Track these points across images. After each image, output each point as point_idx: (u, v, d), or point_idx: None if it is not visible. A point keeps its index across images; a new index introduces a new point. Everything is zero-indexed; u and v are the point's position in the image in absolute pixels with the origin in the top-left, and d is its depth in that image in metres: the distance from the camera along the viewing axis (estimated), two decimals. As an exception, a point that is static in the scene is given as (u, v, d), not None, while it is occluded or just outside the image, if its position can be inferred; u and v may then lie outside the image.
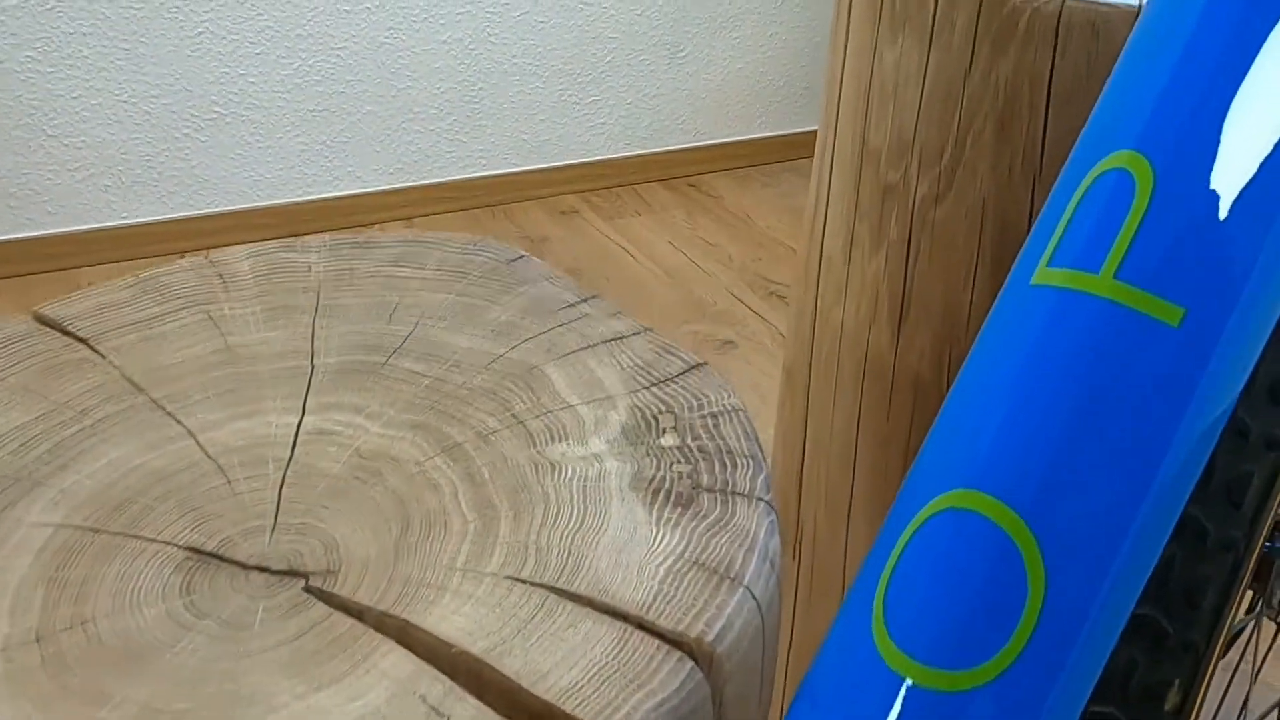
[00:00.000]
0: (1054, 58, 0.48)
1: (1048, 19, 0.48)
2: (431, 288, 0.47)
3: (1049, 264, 0.24)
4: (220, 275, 0.48)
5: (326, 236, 0.53)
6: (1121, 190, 0.23)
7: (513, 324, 0.44)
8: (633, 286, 1.77)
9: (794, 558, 0.84)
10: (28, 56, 1.61)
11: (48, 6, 1.59)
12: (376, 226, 1.97)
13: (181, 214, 1.81)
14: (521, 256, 0.51)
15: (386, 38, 1.86)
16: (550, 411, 0.38)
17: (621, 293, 1.75)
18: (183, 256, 1.83)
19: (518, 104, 2.04)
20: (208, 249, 1.86)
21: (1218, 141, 0.22)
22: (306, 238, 0.52)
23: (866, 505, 0.74)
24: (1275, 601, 0.61)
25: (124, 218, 1.76)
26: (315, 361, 0.41)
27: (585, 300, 0.47)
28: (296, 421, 0.37)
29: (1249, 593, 0.62)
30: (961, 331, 0.59)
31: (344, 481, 0.34)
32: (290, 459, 0.35)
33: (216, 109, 1.77)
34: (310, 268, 0.49)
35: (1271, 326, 0.23)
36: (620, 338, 0.44)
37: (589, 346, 0.43)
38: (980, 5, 0.51)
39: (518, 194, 2.10)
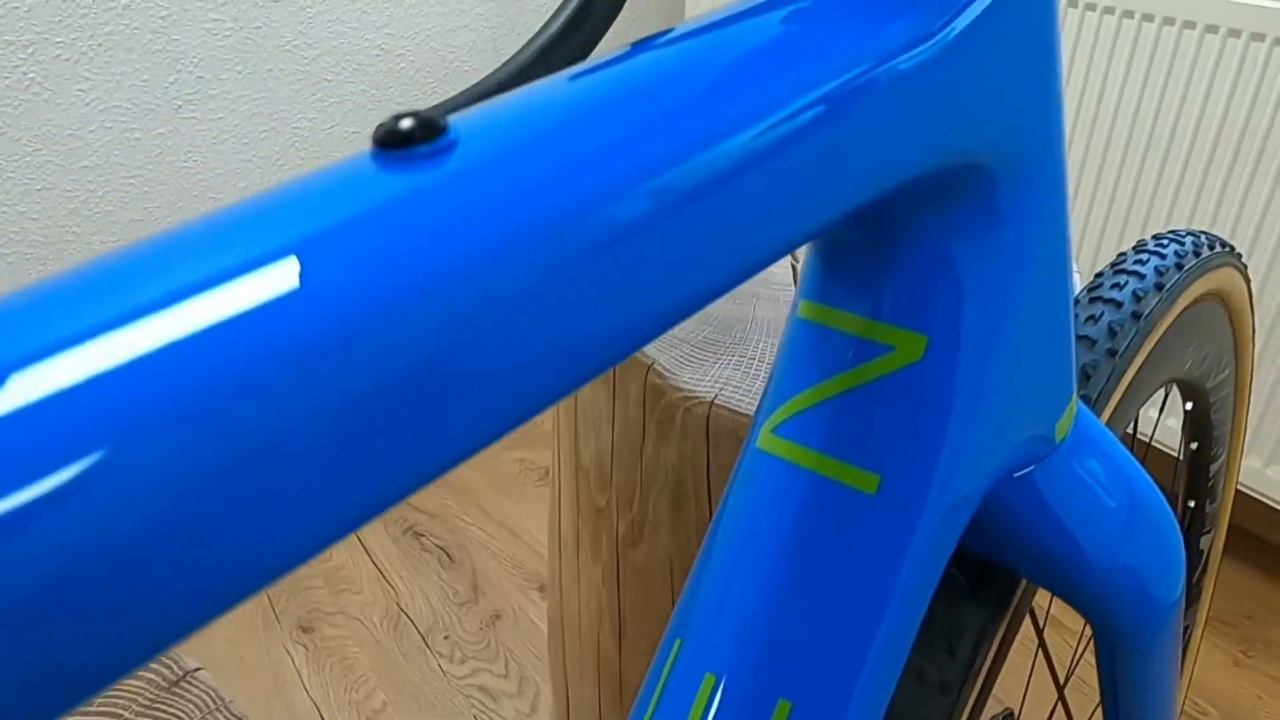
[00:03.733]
0: (708, 454, 0.49)
1: (697, 420, 0.49)
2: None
3: None
4: None
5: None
6: None
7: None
8: (458, 410, 1.74)
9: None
10: None
11: None
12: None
13: (-36, 361, 1.69)
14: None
15: (185, 162, 1.78)
16: None
17: (446, 418, 1.72)
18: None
19: (335, 214, 1.99)
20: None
21: None
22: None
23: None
24: None
25: (-104, 372, 1.63)
26: None
27: (178, 682, 0.45)
28: None
29: None
30: (671, 660, 0.60)
31: None
32: None
33: (-4, 250, 1.65)
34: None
35: None
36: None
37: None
38: (645, 387, 0.51)
39: (342, 304, 2.05)
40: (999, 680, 0.63)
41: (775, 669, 0.23)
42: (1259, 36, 1.10)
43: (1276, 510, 1.35)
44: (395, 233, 0.13)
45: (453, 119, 0.14)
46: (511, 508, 1.52)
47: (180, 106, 1.73)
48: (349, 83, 1.89)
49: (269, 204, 0.13)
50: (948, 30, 0.20)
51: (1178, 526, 0.33)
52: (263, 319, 0.11)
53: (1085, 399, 0.36)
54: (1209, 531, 0.80)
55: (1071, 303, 0.28)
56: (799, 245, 0.20)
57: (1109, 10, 1.23)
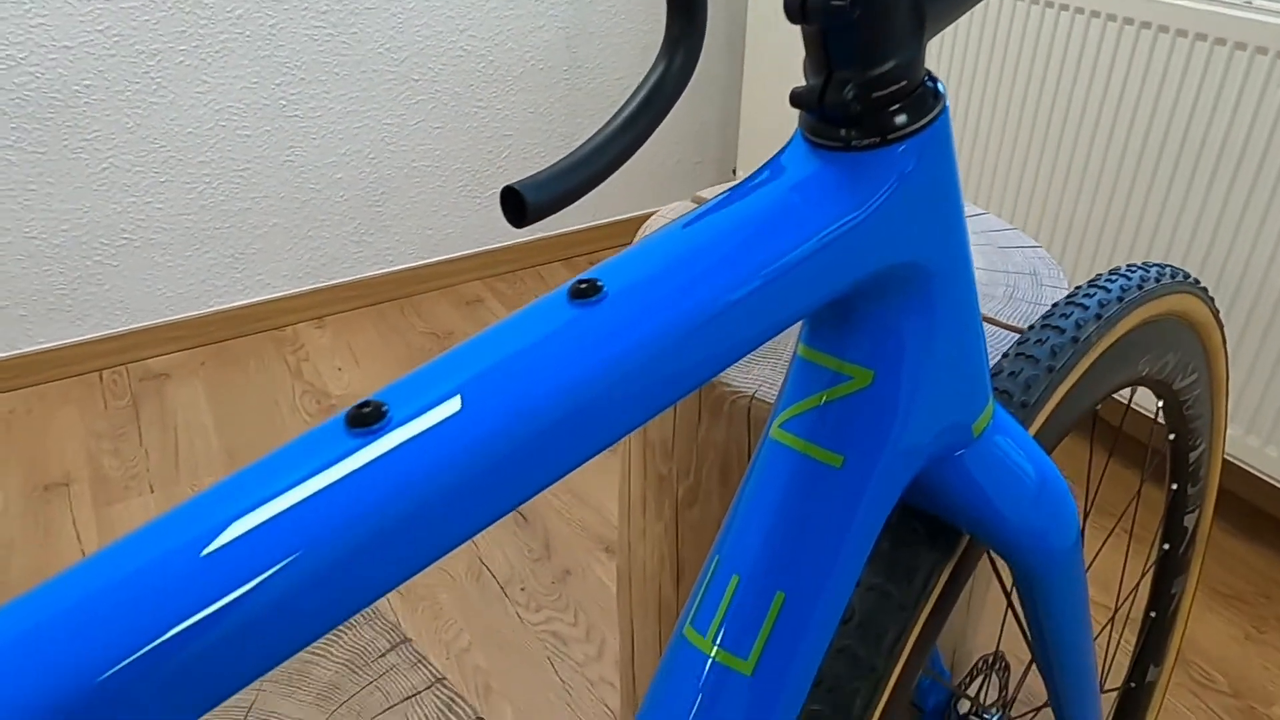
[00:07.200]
0: (749, 436, 0.63)
1: (740, 409, 0.62)
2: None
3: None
4: None
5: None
6: None
7: (335, 684, 0.58)
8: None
9: (634, 721, 0.98)
10: (-64, 204, 1.68)
11: (-48, 158, 1.67)
12: (289, 328, 2.07)
13: (97, 334, 1.90)
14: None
15: (288, 156, 1.96)
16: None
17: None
18: (100, 374, 1.92)
19: (420, 202, 2.15)
20: (125, 364, 1.95)
21: None
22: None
23: None
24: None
25: (40, 343, 1.85)
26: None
27: (395, 648, 0.60)
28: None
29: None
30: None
31: None
32: None
33: (125, 236, 1.85)
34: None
35: None
36: (415, 694, 0.57)
37: (389, 708, 0.56)
38: (700, 382, 0.65)
39: (424, 286, 2.22)
40: (995, 633, 0.76)
41: (775, 572, 0.37)
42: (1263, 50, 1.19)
43: (1295, 497, 1.43)
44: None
45: (603, 274, 0.29)
46: (578, 477, 1.67)
47: (285, 105, 1.91)
48: (434, 82, 2.05)
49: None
50: (879, 194, 0.33)
51: (1070, 494, 0.46)
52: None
53: (1019, 401, 0.49)
54: (1193, 511, 0.91)
55: (983, 341, 0.41)
56: (799, 320, 0.34)
57: (1146, 25, 1.32)
